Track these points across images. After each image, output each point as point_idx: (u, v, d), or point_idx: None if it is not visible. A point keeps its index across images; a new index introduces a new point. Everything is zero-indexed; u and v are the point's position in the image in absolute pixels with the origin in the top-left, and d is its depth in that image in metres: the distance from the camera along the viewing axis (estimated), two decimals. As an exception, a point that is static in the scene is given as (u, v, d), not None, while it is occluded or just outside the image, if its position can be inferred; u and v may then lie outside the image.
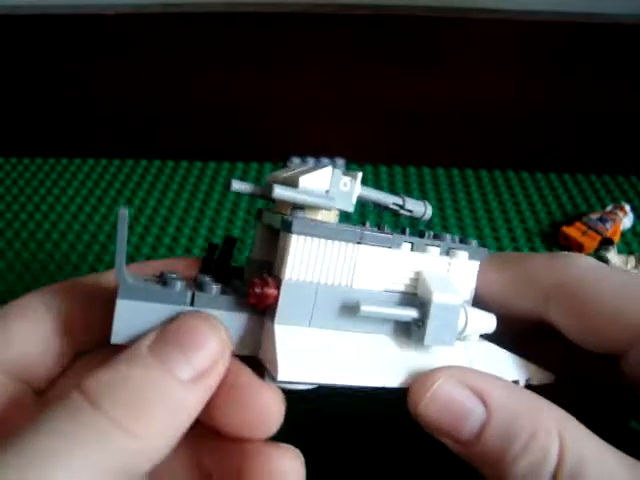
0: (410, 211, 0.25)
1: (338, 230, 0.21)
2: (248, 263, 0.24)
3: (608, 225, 0.45)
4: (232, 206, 0.50)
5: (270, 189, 0.20)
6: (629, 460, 0.19)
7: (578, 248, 0.44)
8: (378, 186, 0.52)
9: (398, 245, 0.22)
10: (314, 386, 0.21)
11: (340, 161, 0.54)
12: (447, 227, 0.47)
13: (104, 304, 0.21)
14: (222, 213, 0.49)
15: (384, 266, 0.22)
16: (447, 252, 0.23)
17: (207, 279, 0.21)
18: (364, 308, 0.20)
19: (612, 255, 0.42)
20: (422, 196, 0.51)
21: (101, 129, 0.54)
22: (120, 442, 0.16)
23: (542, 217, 0.48)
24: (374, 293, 0.22)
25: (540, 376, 0.24)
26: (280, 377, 0.19)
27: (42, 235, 0.46)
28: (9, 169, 0.54)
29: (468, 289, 0.24)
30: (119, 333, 0.19)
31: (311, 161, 0.53)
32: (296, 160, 0.54)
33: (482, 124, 0.52)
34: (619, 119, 0.50)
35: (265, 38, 0.49)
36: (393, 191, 0.51)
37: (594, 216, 0.46)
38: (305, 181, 0.22)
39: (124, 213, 0.18)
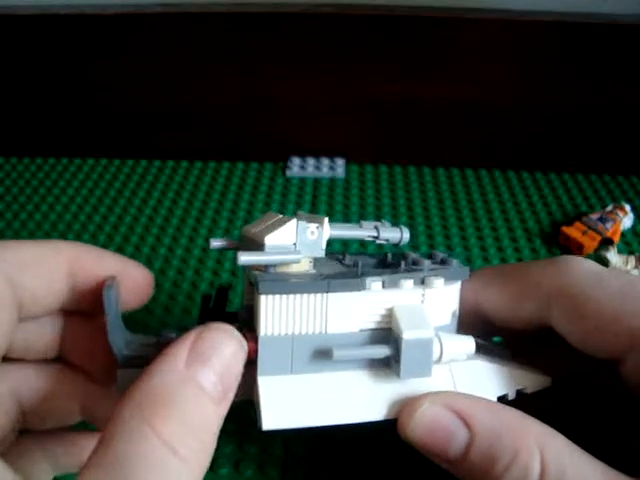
0: (387, 240, 0.25)
1: (304, 284, 0.22)
2: (242, 307, 0.25)
3: (608, 225, 0.45)
4: (232, 206, 0.50)
5: (235, 257, 0.21)
6: (614, 474, 0.20)
7: (578, 248, 0.44)
8: (378, 186, 0.52)
9: (367, 286, 0.22)
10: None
11: (340, 161, 0.54)
12: (447, 227, 0.47)
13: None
14: (222, 213, 0.49)
15: (356, 308, 0.22)
16: (422, 281, 0.23)
17: None
18: (337, 353, 0.21)
19: (612, 255, 0.42)
20: (422, 196, 0.51)
21: (101, 129, 0.54)
22: (185, 476, 0.18)
23: (542, 217, 0.48)
24: (349, 335, 0.22)
25: (535, 383, 0.24)
26: (265, 427, 0.21)
27: (42, 235, 0.46)
28: (9, 169, 0.54)
29: (448, 313, 0.24)
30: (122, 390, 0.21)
31: (311, 161, 0.53)
32: (296, 160, 0.54)
33: (482, 124, 0.52)
34: (619, 119, 0.50)
35: (265, 38, 0.49)
36: (393, 191, 0.51)
37: (594, 216, 0.46)
38: (270, 240, 0.22)
39: (109, 295, 0.20)
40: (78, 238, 0.46)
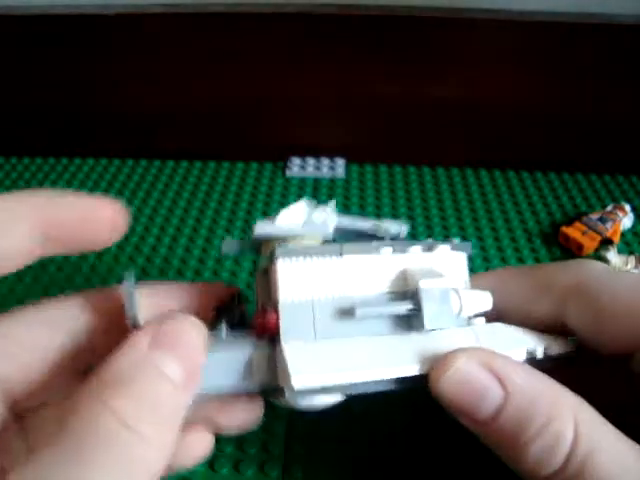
0: (387, 229, 0.26)
1: (319, 247, 0.23)
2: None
3: (608, 225, 0.45)
4: (232, 206, 0.50)
5: (251, 230, 0.23)
6: None
7: (578, 248, 0.44)
8: (378, 186, 0.52)
9: (378, 250, 0.23)
10: (335, 400, 0.22)
11: (340, 161, 0.54)
12: (447, 227, 0.47)
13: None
14: (222, 213, 0.49)
15: (371, 271, 0.23)
16: (429, 249, 0.24)
17: (219, 326, 0.23)
18: (359, 311, 0.22)
19: (612, 255, 0.42)
20: (422, 196, 0.51)
21: (101, 129, 0.54)
22: (143, 451, 0.17)
23: (542, 217, 0.48)
24: (367, 297, 0.23)
25: (558, 346, 0.24)
26: (296, 386, 0.20)
27: (42, 235, 0.46)
28: (9, 169, 0.54)
29: (459, 279, 0.25)
30: None
31: (311, 161, 0.53)
32: (296, 160, 0.54)
33: (482, 124, 0.52)
34: (619, 119, 0.50)
35: (265, 38, 0.49)
36: (393, 191, 0.51)
37: (594, 216, 0.46)
38: (281, 218, 0.24)
39: (129, 291, 0.21)
40: (78, 238, 0.46)
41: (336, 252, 0.23)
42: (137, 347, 0.19)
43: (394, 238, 0.26)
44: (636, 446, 0.19)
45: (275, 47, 0.49)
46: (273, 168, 0.54)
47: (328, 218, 0.24)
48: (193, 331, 0.20)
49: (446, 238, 0.26)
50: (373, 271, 0.23)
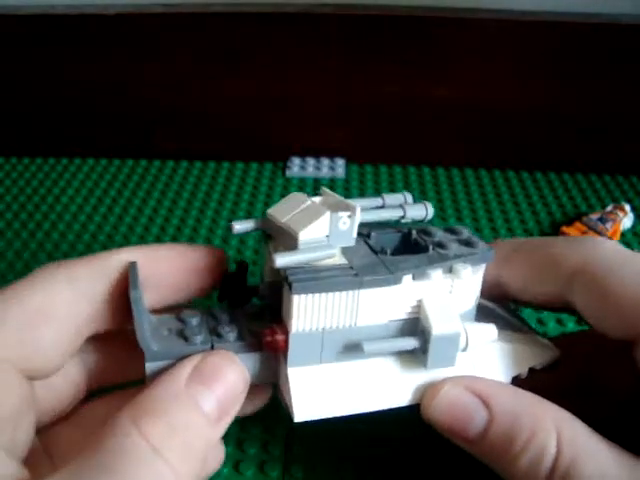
0: (412, 218, 0.26)
1: (338, 282, 0.21)
2: (262, 283, 0.25)
3: (608, 225, 0.45)
4: (232, 206, 0.50)
5: (272, 260, 0.21)
6: (628, 459, 0.20)
7: (578, 248, 0.44)
8: (378, 186, 0.52)
9: (400, 279, 0.22)
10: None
11: (340, 161, 0.54)
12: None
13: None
14: (222, 213, 0.49)
15: (386, 302, 0.23)
16: (450, 269, 0.23)
17: (224, 327, 0.23)
18: (367, 348, 0.22)
19: (612, 255, 0.42)
20: (422, 196, 0.51)
21: (101, 129, 0.54)
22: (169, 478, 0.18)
23: (542, 217, 0.48)
24: (377, 327, 0.23)
25: (542, 359, 0.25)
26: (297, 419, 0.22)
27: (42, 235, 0.46)
28: (9, 169, 0.54)
29: (473, 296, 0.24)
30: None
31: (311, 161, 0.53)
32: (296, 160, 0.54)
33: (482, 124, 0.52)
34: (619, 119, 0.50)
35: (265, 38, 0.49)
36: (393, 191, 0.51)
37: (594, 216, 0.46)
38: (304, 235, 0.22)
39: (136, 295, 0.21)
40: (78, 238, 0.46)
41: (355, 286, 0.22)
42: (176, 378, 0.20)
43: (421, 221, 0.26)
44: (620, 453, 0.20)
45: (275, 47, 0.49)
46: (273, 168, 0.54)
47: (353, 227, 0.23)
48: (233, 370, 0.21)
49: (469, 244, 0.24)
50: (389, 301, 0.23)
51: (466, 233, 0.25)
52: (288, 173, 0.53)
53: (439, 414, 0.22)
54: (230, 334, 0.22)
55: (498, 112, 0.51)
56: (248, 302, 0.25)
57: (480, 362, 0.24)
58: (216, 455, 0.24)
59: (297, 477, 0.28)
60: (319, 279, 0.21)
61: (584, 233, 0.44)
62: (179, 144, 0.55)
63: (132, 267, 0.22)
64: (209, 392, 0.20)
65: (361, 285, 0.22)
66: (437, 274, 0.23)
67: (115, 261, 0.23)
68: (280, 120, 0.53)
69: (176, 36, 0.49)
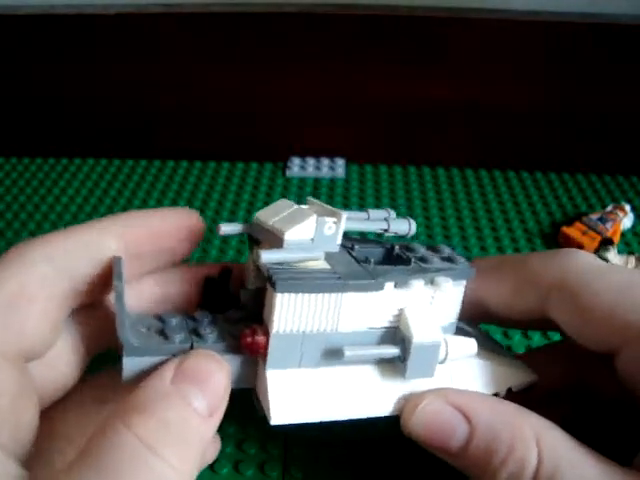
0: (395, 232, 0.26)
1: (321, 284, 0.22)
2: (244, 291, 0.25)
3: (608, 225, 0.45)
4: (232, 206, 0.50)
5: (257, 257, 0.21)
6: (612, 468, 0.20)
7: (578, 248, 0.44)
8: (378, 186, 0.52)
9: (381, 286, 0.22)
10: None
11: (340, 161, 0.54)
12: (447, 228, 0.47)
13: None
14: (222, 213, 0.49)
15: (368, 308, 0.23)
16: (432, 281, 0.23)
17: (204, 328, 0.23)
18: (348, 354, 0.22)
19: (612, 255, 0.42)
20: (422, 196, 0.51)
21: (101, 129, 0.54)
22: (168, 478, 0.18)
23: (542, 217, 0.48)
24: (358, 333, 0.23)
25: (520, 381, 0.25)
26: (273, 422, 0.22)
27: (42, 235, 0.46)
28: (9, 169, 0.54)
29: (453, 311, 0.25)
30: (128, 380, 0.21)
31: (311, 161, 0.53)
32: (296, 160, 0.54)
33: (482, 124, 0.52)
34: (619, 119, 0.50)
35: (265, 38, 0.49)
36: (393, 191, 0.51)
37: (594, 216, 0.46)
38: (290, 235, 0.22)
39: (119, 290, 0.21)
40: (78, 238, 0.46)
41: (338, 289, 0.22)
42: (162, 378, 0.20)
43: (403, 236, 0.26)
44: (601, 460, 0.20)
45: (275, 47, 0.49)
46: (273, 168, 0.54)
47: (338, 233, 0.23)
48: (216, 368, 0.21)
49: (450, 260, 0.25)
50: (371, 308, 0.23)
51: (448, 251, 0.25)
52: (288, 173, 0.53)
53: (419, 429, 0.22)
54: (210, 335, 0.22)
55: (498, 112, 0.51)
56: (229, 309, 0.25)
57: (459, 376, 0.24)
58: (212, 447, 0.25)
59: (297, 477, 0.28)
60: (303, 279, 0.21)
61: (584, 233, 0.44)
62: (179, 144, 0.55)
63: (117, 261, 0.22)
64: (196, 389, 0.20)
65: (344, 288, 0.22)
66: (419, 284, 0.23)
67: (94, 235, 0.23)
68: (280, 120, 0.53)
69: (176, 36, 0.49)
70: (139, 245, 0.23)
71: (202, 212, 0.49)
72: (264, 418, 0.22)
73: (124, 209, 0.49)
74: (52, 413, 0.23)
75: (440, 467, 0.28)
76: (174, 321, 0.23)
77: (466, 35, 0.48)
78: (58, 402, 0.23)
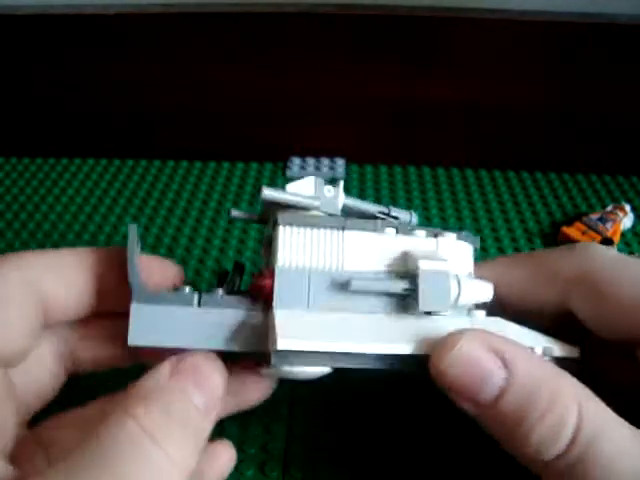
0: (396, 218, 0.26)
1: (322, 219, 0.23)
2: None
3: (608, 225, 0.45)
4: (232, 206, 0.50)
5: (259, 192, 0.22)
6: None
7: (578, 248, 0.44)
8: (378, 186, 0.52)
9: (382, 229, 0.23)
10: (321, 372, 0.21)
11: (340, 161, 0.54)
12: (447, 227, 0.47)
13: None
14: (222, 213, 0.49)
15: (372, 249, 0.23)
16: (435, 235, 0.24)
17: (215, 289, 0.23)
18: (355, 283, 0.22)
19: (612, 255, 0.42)
20: (422, 196, 0.51)
21: (101, 129, 0.54)
22: (167, 469, 0.18)
23: (542, 217, 0.48)
24: (365, 273, 0.23)
25: (562, 349, 0.23)
26: (279, 347, 0.20)
27: (42, 235, 0.46)
28: (9, 169, 0.54)
29: (463, 266, 0.24)
30: (135, 335, 0.21)
31: (311, 161, 0.53)
32: (296, 160, 0.54)
33: (482, 124, 0.52)
34: (619, 119, 0.50)
35: (265, 38, 0.49)
36: (393, 191, 0.51)
37: (594, 216, 0.46)
38: (292, 187, 0.23)
39: (133, 227, 0.22)
40: (78, 238, 0.46)
41: (339, 225, 0.23)
42: (161, 373, 0.20)
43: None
44: (636, 431, 0.19)
45: (275, 47, 0.49)
46: (273, 168, 0.54)
47: (338, 194, 0.24)
48: (213, 367, 0.21)
49: (459, 230, 0.25)
50: (374, 249, 0.23)
51: (451, 233, 0.25)
52: (288, 173, 0.53)
53: (452, 371, 0.20)
54: (219, 291, 0.23)
55: (498, 112, 0.51)
56: None
57: (492, 328, 0.22)
58: (225, 455, 0.24)
59: (297, 477, 0.28)
60: (305, 216, 0.23)
61: (584, 233, 0.44)
62: (179, 144, 0.55)
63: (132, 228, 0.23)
64: (193, 385, 0.20)
65: (344, 225, 0.23)
66: (421, 233, 0.24)
67: (69, 256, 0.23)
68: (280, 120, 0.53)
69: (176, 36, 0.49)
70: (107, 282, 0.23)
71: (202, 212, 0.49)
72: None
73: (124, 209, 0.49)
74: (44, 433, 0.23)
75: (442, 467, 0.28)
76: (187, 288, 0.23)
77: (466, 35, 0.48)
78: (53, 423, 0.23)
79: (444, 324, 0.22)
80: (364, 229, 0.23)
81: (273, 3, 0.49)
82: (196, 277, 0.42)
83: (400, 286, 0.22)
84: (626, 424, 0.20)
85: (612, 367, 0.25)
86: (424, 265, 0.22)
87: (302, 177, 0.24)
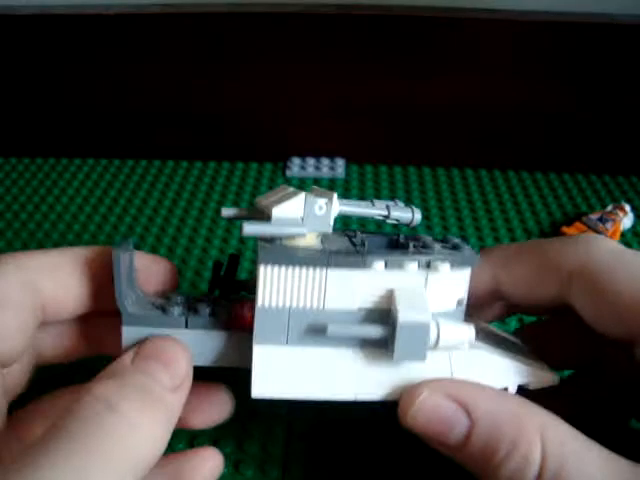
0: (397, 219, 0.25)
1: (305, 257, 0.21)
2: (253, 278, 0.25)
3: (608, 225, 0.45)
4: (232, 206, 0.50)
5: (241, 227, 0.21)
6: (620, 464, 0.19)
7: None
8: (378, 186, 0.52)
9: (370, 264, 0.22)
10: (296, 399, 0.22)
11: (340, 161, 0.54)
12: (447, 227, 0.47)
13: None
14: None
15: (355, 286, 0.22)
16: (428, 264, 0.22)
17: (203, 306, 0.23)
18: (331, 329, 0.21)
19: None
20: (422, 196, 0.51)
21: (101, 129, 0.54)
22: (132, 438, 0.18)
23: (542, 217, 0.48)
24: (346, 313, 0.22)
25: (541, 379, 0.24)
26: (254, 395, 0.21)
27: (42, 235, 0.46)
28: (9, 169, 0.54)
29: (452, 299, 0.24)
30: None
31: (311, 161, 0.53)
32: (296, 160, 0.54)
33: (482, 124, 0.52)
34: (619, 119, 0.50)
35: (265, 38, 0.49)
36: (393, 191, 0.51)
37: (594, 216, 0.46)
38: (278, 212, 0.22)
39: (117, 254, 0.21)
40: (78, 238, 0.46)
41: (323, 264, 0.21)
42: (124, 357, 0.21)
43: (407, 225, 0.25)
44: (609, 456, 0.19)
45: (275, 47, 0.49)
46: (273, 168, 0.54)
47: (330, 212, 0.23)
48: (174, 347, 0.22)
49: (462, 239, 0.24)
50: (358, 287, 0.22)
51: (456, 241, 0.24)
52: (288, 173, 0.53)
53: (418, 422, 0.21)
54: (205, 310, 0.23)
55: (498, 112, 0.51)
56: (237, 293, 0.26)
57: (460, 368, 0.23)
58: (209, 461, 0.25)
59: (297, 477, 0.28)
60: (287, 253, 0.21)
61: (584, 233, 0.44)
62: (179, 144, 0.55)
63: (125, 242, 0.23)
64: (156, 365, 0.21)
65: (328, 263, 0.21)
66: (412, 266, 0.22)
67: (66, 256, 0.23)
68: (280, 120, 0.53)
69: (176, 36, 0.49)
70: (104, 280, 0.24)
71: (202, 212, 0.49)
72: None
73: (124, 209, 0.49)
74: (17, 425, 0.23)
75: (442, 467, 0.28)
76: (178, 299, 0.23)
77: (466, 35, 0.48)
78: (26, 415, 0.24)
79: (420, 367, 0.22)
80: (349, 266, 0.22)
81: (273, 3, 0.49)
82: (196, 277, 0.42)
83: (377, 332, 0.22)
84: (595, 447, 0.20)
85: (612, 361, 0.25)
86: (403, 317, 0.21)
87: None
